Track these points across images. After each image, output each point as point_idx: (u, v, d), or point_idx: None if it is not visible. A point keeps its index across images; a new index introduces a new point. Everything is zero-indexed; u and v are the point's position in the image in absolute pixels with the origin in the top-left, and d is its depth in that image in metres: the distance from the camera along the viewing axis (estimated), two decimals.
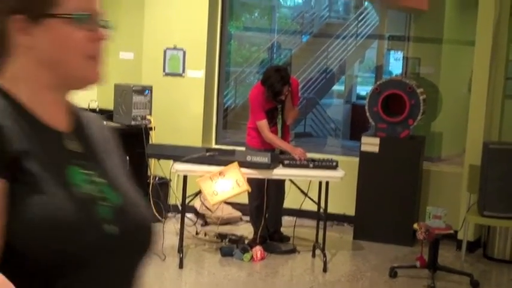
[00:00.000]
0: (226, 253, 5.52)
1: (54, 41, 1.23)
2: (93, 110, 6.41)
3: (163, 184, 6.38)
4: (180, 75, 6.85)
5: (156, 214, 6.09)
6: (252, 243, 5.65)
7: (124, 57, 6.86)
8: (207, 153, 5.16)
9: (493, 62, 5.97)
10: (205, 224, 6.50)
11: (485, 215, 5.60)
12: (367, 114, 6.29)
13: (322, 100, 12.99)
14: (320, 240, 5.49)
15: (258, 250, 5.47)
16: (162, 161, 5.57)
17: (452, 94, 7.40)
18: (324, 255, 5.32)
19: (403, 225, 6.05)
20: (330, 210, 5.46)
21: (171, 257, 5.38)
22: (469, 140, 6.07)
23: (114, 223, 1.20)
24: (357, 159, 6.34)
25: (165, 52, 6.84)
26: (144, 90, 6.22)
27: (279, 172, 5.22)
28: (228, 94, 11.18)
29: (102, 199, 1.23)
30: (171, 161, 5.21)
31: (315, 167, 5.27)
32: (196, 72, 6.84)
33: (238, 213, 6.71)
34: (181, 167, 5.10)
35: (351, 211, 6.42)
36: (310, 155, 5.85)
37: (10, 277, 1.00)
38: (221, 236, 5.89)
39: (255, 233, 5.81)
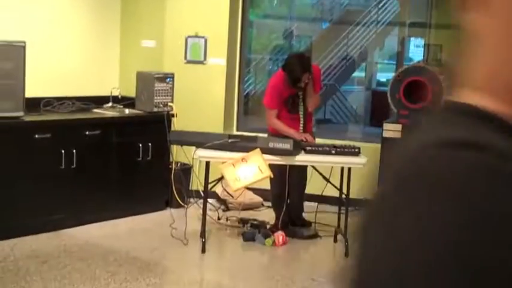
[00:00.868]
0: (248, 238, 5.56)
1: None
2: (115, 98, 6.48)
3: (186, 170, 6.43)
4: (201, 62, 6.87)
5: (179, 200, 6.15)
6: (274, 229, 5.68)
7: (146, 45, 6.89)
8: (229, 140, 5.19)
9: None
10: (227, 209, 6.54)
11: None
12: (389, 101, 6.27)
13: (343, 87, 12.96)
14: (342, 225, 5.51)
15: (279, 235, 5.50)
16: (184, 148, 5.61)
17: None
18: (346, 241, 5.34)
19: None
20: (352, 195, 5.46)
21: (193, 242, 5.43)
22: None
23: None
24: (378, 146, 6.33)
25: (186, 40, 6.86)
26: (166, 78, 6.25)
27: (301, 158, 5.24)
28: (249, 81, 11.19)
29: None
30: (194, 148, 5.25)
31: (337, 153, 5.28)
32: (217, 60, 6.86)
33: (259, 199, 6.73)
34: (204, 153, 5.14)
35: None
36: (331, 142, 5.86)
37: None
38: (243, 221, 5.93)
39: (277, 218, 5.83)
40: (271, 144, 5.13)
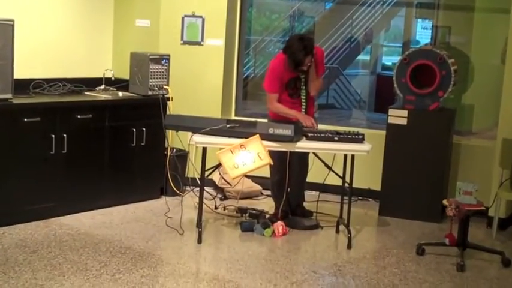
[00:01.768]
0: (246, 228, 5.55)
1: None
2: (108, 80, 6.45)
3: (182, 156, 6.42)
4: (198, 43, 6.84)
5: (174, 188, 6.14)
6: (273, 218, 5.68)
7: (140, 25, 6.85)
8: (228, 125, 5.17)
9: None
10: (225, 198, 6.54)
11: None
12: (395, 85, 6.27)
13: (346, 70, 12.92)
14: (344, 215, 5.51)
15: (279, 225, 5.50)
16: (180, 133, 5.59)
17: (484, 65, 7.31)
18: (349, 231, 5.34)
19: (431, 201, 6.06)
20: (355, 184, 5.46)
21: (189, 232, 5.42)
22: (502, 112, 6.03)
23: None
24: (383, 132, 6.32)
25: (183, 19, 6.82)
26: (162, 59, 6.22)
27: (303, 145, 5.22)
28: (248, 63, 11.15)
29: None
30: (190, 133, 5.23)
31: (340, 140, 5.26)
32: (215, 41, 6.83)
33: (258, 187, 6.73)
34: (201, 139, 5.12)
35: (376, 186, 6.43)
36: (334, 128, 5.84)
37: None
38: (241, 211, 5.92)
39: (277, 207, 5.83)
40: (271, 130, 5.11)
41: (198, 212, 5.33)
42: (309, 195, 6.26)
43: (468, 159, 6.42)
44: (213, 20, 6.81)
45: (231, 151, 5.01)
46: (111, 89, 6.47)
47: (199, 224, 5.30)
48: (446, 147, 6.17)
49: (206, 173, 5.33)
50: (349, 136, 5.31)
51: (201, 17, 6.80)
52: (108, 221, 5.67)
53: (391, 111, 6.24)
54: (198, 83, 6.85)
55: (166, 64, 6.25)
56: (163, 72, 6.23)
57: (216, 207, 6.14)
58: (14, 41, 5.24)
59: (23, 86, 5.77)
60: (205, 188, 5.53)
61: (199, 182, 5.39)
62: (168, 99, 6.19)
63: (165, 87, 6.22)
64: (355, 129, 5.78)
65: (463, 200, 5.02)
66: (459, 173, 6.39)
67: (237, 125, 5.19)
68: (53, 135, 5.50)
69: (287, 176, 5.70)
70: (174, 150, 6.42)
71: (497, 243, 5.64)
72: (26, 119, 5.34)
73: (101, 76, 6.47)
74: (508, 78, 5.98)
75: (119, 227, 5.52)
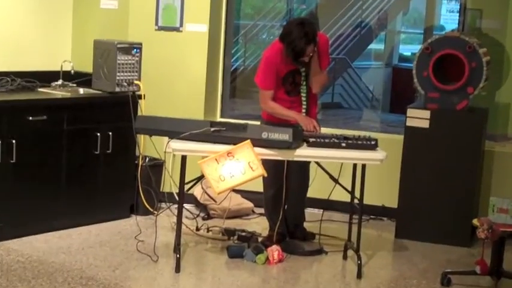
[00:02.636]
0: (234, 254, 5.55)
1: None
2: (67, 74, 6.44)
3: (156, 167, 6.40)
4: (177, 29, 6.84)
5: (147, 205, 6.12)
6: (268, 242, 5.67)
7: (106, 7, 6.85)
8: (212, 129, 5.16)
9: None
10: (208, 217, 6.53)
11: None
12: (415, 80, 6.28)
13: (356, 62, 12.96)
14: (353, 238, 5.51)
15: (274, 250, 5.50)
16: (154, 138, 5.58)
17: None
18: (359, 258, 5.34)
19: (458, 221, 6.07)
20: (366, 201, 5.46)
21: (165, 259, 5.40)
22: None
23: None
24: (401, 138, 6.33)
25: (157, 0, 6.82)
26: (132, 49, 6.22)
27: (303, 153, 5.22)
28: (237, 54, 11.18)
29: None
30: (166, 138, 5.22)
31: (349, 146, 5.26)
32: (197, 26, 6.82)
33: (249, 204, 6.73)
34: (179, 146, 5.11)
35: (392, 202, 6.44)
36: (341, 132, 5.85)
37: None
38: (228, 233, 5.91)
39: (271, 228, 5.83)
40: (264, 135, 5.11)
41: (176, 234, 5.32)
42: (311, 213, 6.25)
43: (503, 170, 6.44)
44: (195, 1, 6.81)
45: (216, 160, 5.01)
46: (70, 84, 6.45)
47: (177, 248, 5.28)
48: (477, 155, 6.18)
49: (186, 187, 5.32)
50: (359, 142, 5.32)
51: None
52: (66, 245, 5.65)
53: (410, 112, 6.25)
54: (176, 77, 6.84)
55: (138, 54, 6.25)
56: (133, 64, 6.22)
57: (197, 229, 6.13)
58: None
59: None
60: (184, 205, 5.52)
61: (177, 197, 5.38)
62: (140, 97, 6.18)
63: (136, 82, 6.21)
64: (367, 134, 5.79)
65: (497, 220, 5.02)
66: (492, 187, 6.40)
67: (223, 129, 5.18)
68: None
69: (284, 190, 5.69)
70: (147, 159, 6.40)
71: None
72: None
73: (58, 69, 6.46)
74: None
75: (79, 253, 5.50)
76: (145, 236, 5.81)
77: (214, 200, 6.37)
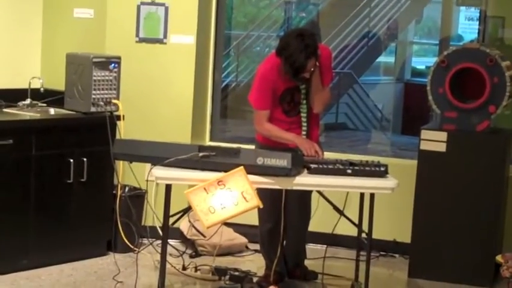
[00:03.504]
0: None
1: None
2: (36, 92, 6.45)
3: (137, 198, 6.40)
4: (160, 41, 6.85)
5: (126, 241, 6.11)
6: (264, 282, 5.67)
7: (80, 16, 6.87)
8: (200, 154, 5.17)
9: None
10: (196, 254, 6.52)
11: None
12: (430, 97, 6.29)
13: (363, 77, 12.99)
14: (361, 278, 5.49)
15: None
16: (134, 165, 5.58)
17: None
18: None
19: (480, 258, 6.07)
20: (376, 235, 5.45)
21: None
22: None
23: None
24: (414, 163, 6.34)
25: (138, 8, 6.84)
26: (109, 63, 6.23)
27: (303, 181, 5.22)
28: (228, 68, 11.20)
29: None
30: (148, 165, 5.22)
31: (355, 173, 5.26)
32: (183, 38, 6.84)
33: (243, 240, 6.72)
34: (163, 173, 5.11)
35: (405, 237, 6.43)
36: (346, 156, 5.85)
37: None
38: (219, 272, 5.90)
39: (268, 267, 5.82)
40: (260, 161, 5.11)
41: (160, 274, 5.30)
42: (313, 249, 6.24)
43: None
44: (181, 9, 6.83)
45: (205, 189, 5.00)
46: (40, 104, 6.46)
47: None
48: (500, 182, 6.19)
49: (171, 220, 5.31)
50: (367, 168, 5.32)
51: (163, 4, 6.83)
52: (36, 287, 5.63)
53: (424, 134, 6.26)
54: (159, 95, 6.85)
55: (116, 70, 6.26)
56: (111, 80, 6.23)
57: (184, 268, 6.11)
58: None
59: None
60: (169, 241, 5.51)
61: (160, 232, 5.37)
62: (119, 118, 6.19)
63: (114, 101, 6.21)
64: (376, 159, 5.79)
65: None
66: None
67: (213, 154, 5.19)
68: None
69: (282, 223, 5.69)
70: (127, 189, 6.40)
71: None
72: None
73: (26, 87, 6.47)
74: None
75: None
76: (125, 276, 5.79)
77: (203, 235, 6.36)
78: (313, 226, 6.01)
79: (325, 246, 6.08)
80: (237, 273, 5.83)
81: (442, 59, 6.29)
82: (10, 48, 6.68)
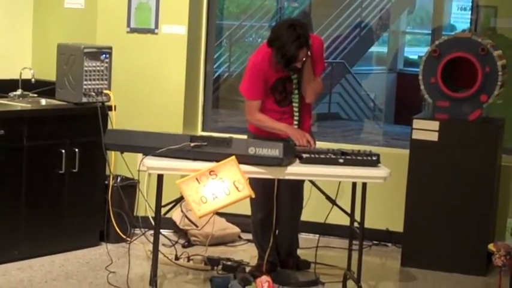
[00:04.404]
0: (218, 286, 5.53)
1: None
2: (27, 83, 6.44)
3: (129, 188, 6.40)
4: (151, 31, 6.85)
5: (119, 231, 6.11)
6: (257, 272, 5.67)
7: (71, 6, 6.86)
8: (192, 144, 5.17)
9: None
10: (189, 244, 6.53)
11: None
12: (422, 87, 6.30)
13: (355, 67, 13.00)
14: (354, 267, 5.50)
15: (264, 281, 5.48)
16: (126, 155, 5.58)
17: None
18: None
19: (473, 247, 6.08)
20: (368, 224, 5.46)
21: None
22: None
23: None
24: (406, 152, 6.35)
25: None
26: (100, 54, 6.22)
27: (295, 170, 5.23)
28: (220, 58, 11.20)
29: None
30: (140, 155, 5.22)
31: (347, 162, 5.27)
32: (175, 28, 6.84)
33: (235, 229, 6.72)
34: (155, 163, 5.11)
35: (397, 226, 6.44)
36: (338, 146, 5.86)
37: None
38: (211, 262, 5.91)
39: (261, 257, 5.83)
40: (251, 150, 5.11)
41: (152, 264, 5.31)
42: (305, 239, 6.25)
43: None
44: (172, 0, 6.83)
45: (197, 179, 5.01)
46: (31, 95, 6.45)
47: (153, 281, 5.27)
48: (492, 171, 6.20)
49: (163, 211, 5.32)
50: (359, 157, 5.32)
51: None
52: (27, 278, 5.64)
53: (416, 123, 6.26)
54: (151, 85, 6.85)
55: (107, 60, 6.25)
56: (102, 71, 6.23)
57: (177, 257, 6.12)
58: None
59: None
60: (161, 230, 5.52)
61: (153, 222, 5.38)
62: (110, 108, 6.19)
63: (105, 92, 6.21)
64: (368, 148, 5.80)
65: None
66: (510, 207, 6.43)
67: (205, 144, 5.19)
68: None
69: (274, 213, 5.70)
70: (119, 179, 6.40)
71: None
72: None
73: (17, 77, 6.46)
74: None
75: (42, 287, 5.48)
76: (117, 266, 5.79)
77: (195, 225, 6.36)
78: (306, 215, 6.02)
79: (318, 235, 6.10)
80: (229, 263, 5.86)
81: (433, 48, 6.30)
82: (1, 38, 6.66)
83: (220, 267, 5.83)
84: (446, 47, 6.25)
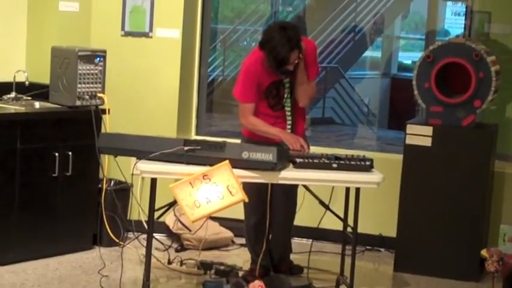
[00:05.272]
0: None
1: None
2: (21, 86, 6.43)
3: (122, 191, 6.39)
4: (146, 35, 6.85)
5: (112, 235, 6.10)
6: (249, 276, 5.67)
7: (65, 9, 6.84)
8: (186, 148, 5.16)
9: None
10: (182, 248, 6.52)
11: None
12: (415, 92, 6.31)
13: (349, 72, 13.00)
14: (347, 272, 5.50)
15: (257, 286, 5.49)
16: (119, 159, 5.57)
17: None
18: None
19: (465, 252, 6.09)
20: (361, 229, 5.46)
21: None
22: None
23: None
24: (400, 157, 6.35)
25: (124, 1, 6.83)
26: (95, 57, 6.21)
27: (289, 175, 5.22)
28: (214, 62, 11.20)
29: None
30: (133, 159, 5.22)
31: (341, 167, 5.27)
32: (169, 31, 6.83)
33: (229, 234, 6.72)
34: (148, 167, 5.10)
35: (390, 231, 6.45)
36: (332, 151, 5.86)
37: None
38: (204, 266, 5.91)
39: (254, 261, 5.82)
40: (245, 155, 5.11)
41: (145, 268, 5.30)
42: (299, 244, 6.25)
43: None
44: (166, 3, 6.82)
45: (191, 184, 5.00)
46: (25, 98, 6.44)
47: (146, 285, 5.26)
48: (485, 177, 6.21)
49: (156, 215, 5.31)
50: (353, 162, 5.32)
51: None
52: (20, 281, 5.62)
53: (410, 128, 6.27)
54: (145, 89, 6.84)
55: (101, 63, 6.25)
56: (96, 74, 6.22)
57: (169, 262, 6.11)
58: None
59: None
60: (154, 235, 5.51)
61: (146, 226, 5.37)
62: (104, 111, 6.18)
63: (99, 95, 6.20)
64: (361, 153, 5.80)
65: (509, 250, 5.05)
66: (503, 213, 6.43)
67: (199, 148, 5.18)
68: None
69: (268, 218, 5.69)
70: (112, 183, 6.39)
71: None
72: None
73: (11, 80, 6.45)
74: None
75: None
76: (110, 270, 5.78)
77: (188, 229, 6.36)
78: (299, 220, 6.02)
79: (311, 240, 6.10)
80: (222, 267, 5.85)
81: (427, 53, 6.31)
82: None
83: (213, 271, 5.83)
84: (440, 52, 6.26)
